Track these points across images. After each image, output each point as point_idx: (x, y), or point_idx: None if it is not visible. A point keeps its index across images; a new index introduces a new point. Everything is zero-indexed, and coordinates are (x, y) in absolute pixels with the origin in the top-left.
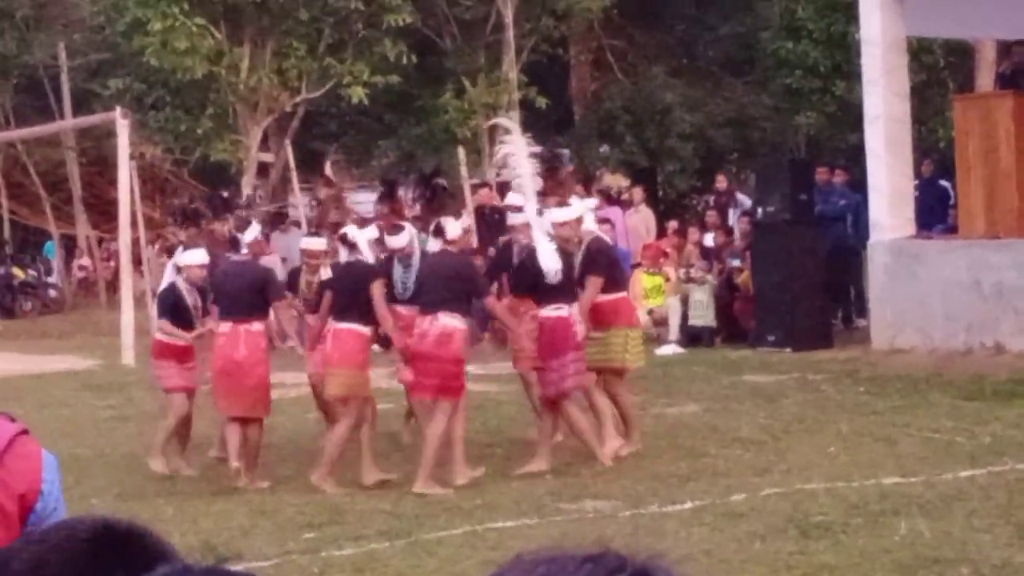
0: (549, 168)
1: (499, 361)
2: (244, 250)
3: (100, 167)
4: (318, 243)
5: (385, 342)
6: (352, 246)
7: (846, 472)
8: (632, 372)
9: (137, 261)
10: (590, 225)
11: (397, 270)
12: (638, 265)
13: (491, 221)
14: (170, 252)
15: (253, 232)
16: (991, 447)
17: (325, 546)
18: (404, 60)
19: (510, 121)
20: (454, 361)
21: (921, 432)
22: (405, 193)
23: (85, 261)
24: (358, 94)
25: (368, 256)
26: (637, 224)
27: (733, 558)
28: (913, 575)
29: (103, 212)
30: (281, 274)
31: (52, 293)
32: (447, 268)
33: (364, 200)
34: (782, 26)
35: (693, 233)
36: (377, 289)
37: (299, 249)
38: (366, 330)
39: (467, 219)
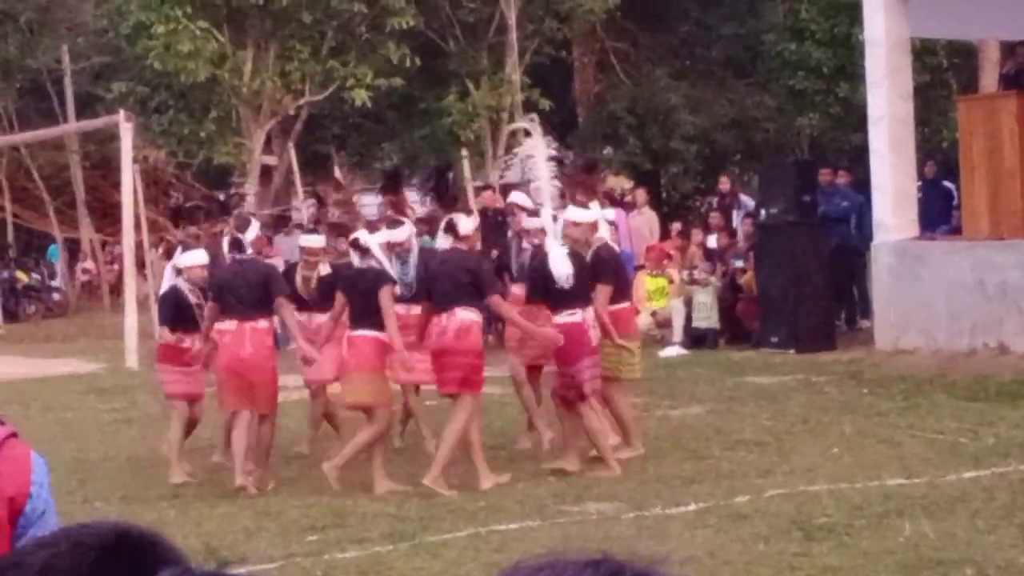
0: (586, 167)
1: (502, 363)
2: (248, 250)
3: (103, 170)
4: (316, 240)
5: None
6: (364, 251)
7: (850, 473)
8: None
9: (141, 264)
10: (604, 234)
11: (395, 266)
12: (641, 267)
13: (494, 223)
14: (169, 254)
15: (254, 230)
16: (995, 448)
17: (329, 549)
18: (407, 63)
19: (533, 124)
20: (475, 354)
21: (925, 433)
22: (419, 187)
23: (89, 264)
24: (361, 97)
25: (382, 261)
26: (640, 226)
27: (737, 560)
28: None
29: (106, 215)
30: None
31: (56, 297)
32: (459, 265)
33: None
34: (785, 27)
35: (696, 235)
36: (386, 295)
37: (299, 246)
38: (382, 335)
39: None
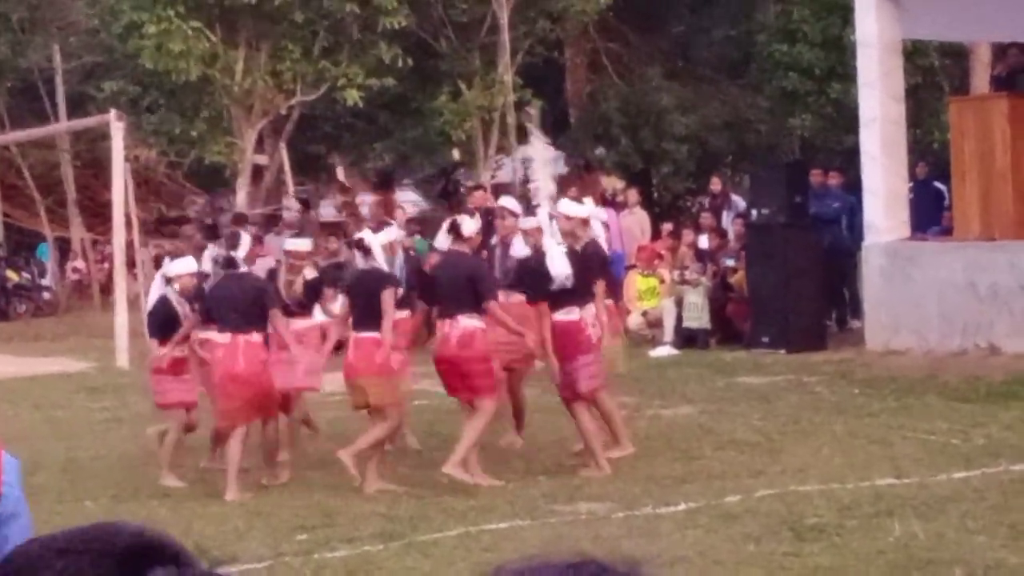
0: (586, 167)
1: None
2: (242, 267)
3: (94, 169)
4: (302, 244)
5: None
6: (367, 252)
7: (840, 474)
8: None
9: (131, 263)
10: (597, 231)
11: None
12: (633, 267)
13: (485, 224)
14: (157, 262)
15: (245, 246)
16: (985, 448)
17: (318, 548)
18: (399, 63)
19: (532, 117)
20: (480, 359)
21: (915, 434)
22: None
23: (79, 263)
24: (353, 97)
25: (382, 262)
26: (632, 226)
27: (727, 560)
28: None
29: (97, 214)
30: None
31: (46, 295)
32: (459, 271)
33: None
34: (777, 28)
35: (687, 235)
36: (388, 297)
37: (283, 250)
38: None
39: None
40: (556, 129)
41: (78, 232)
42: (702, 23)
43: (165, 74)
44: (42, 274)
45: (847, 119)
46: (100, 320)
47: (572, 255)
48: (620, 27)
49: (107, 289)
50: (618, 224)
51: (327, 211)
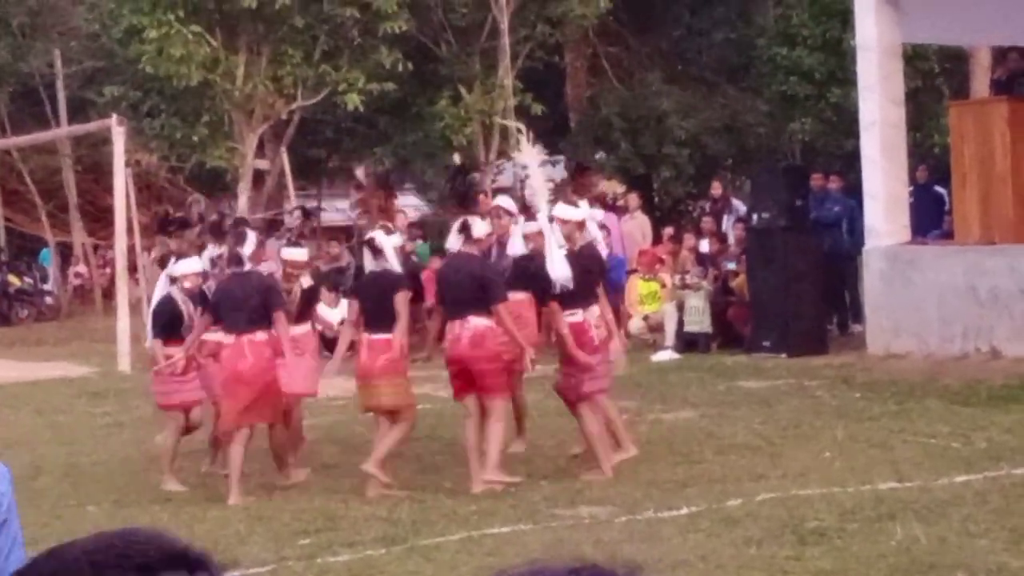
0: (579, 169)
1: None
2: (247, 264)
3: (96, 174)
4: (299, 254)
5: (330, 346)
6: (378, 252)
7: (842, 478)
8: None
9: (133, 268)
10: (594, 234)
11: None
12: (634, 271)
13: None
14: (163, 262)
15: (251, 244)
16: (987, 452)
17: (321, 552)
18: (400, 67)
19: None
20: (493, 359)
21: (917, 437)
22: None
23: (81, 268)
24: (354, 101)
25: (394, 264)
26: (633, 230)
27: (729, 564)
28: None
29: (99, 219)
30: None
31: (48, 300)
32: (468, 273)
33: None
34: (777, 32)
35: (688, 239)
36: (402, 299)
37: (280, 259)
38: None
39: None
40: (556, 133)
41: (80, 237)
42: (702, 27)
43: (166, 79)
44: (44, 279)
45: (847, 123)
46: (102, 325)
47: (572, 258)
48: (620, 31)
49: (109, 294)
50: (619, 229)
51: (329, 215)
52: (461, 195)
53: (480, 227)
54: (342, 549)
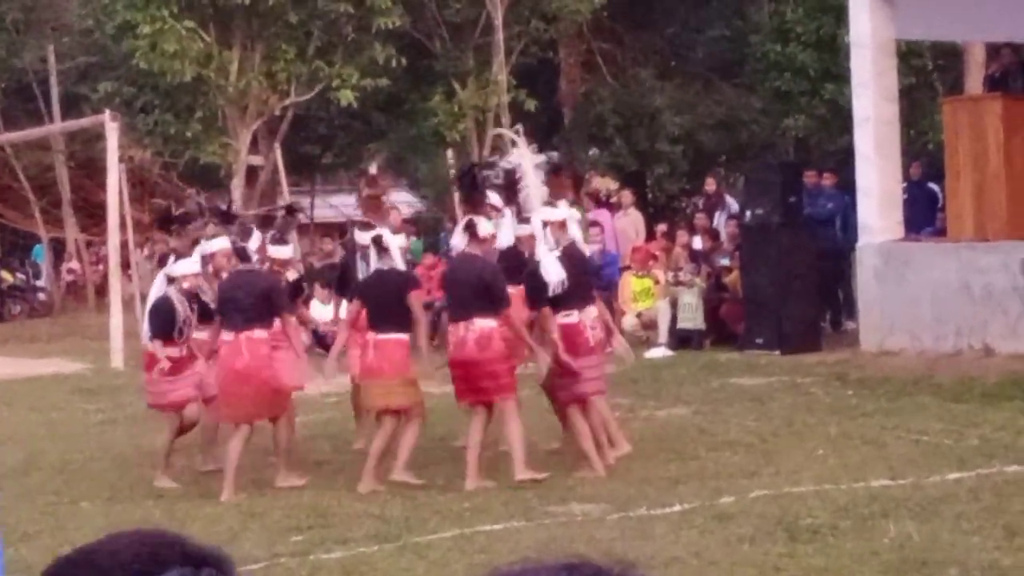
0: (552, 170)
1: None
2: (253, 258)
3: (89, 170)
4: (284, 251)
5: (323, 343)
6: (385, 250)
7: (835, 475)
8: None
9: (126, 265)
10: (574, 233)
11: (361, 267)
12: (627, 268)
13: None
14: (162, 261)
15: (256, 239)
16: (980, 449)
17: (313, 549)
18: (393, 63)
19: (516, 134)
20: (500, 360)
21: (910, 435)
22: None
23: (74, 264)
24: (347, 97)
25: (399, 263)
26: (626, 227)
27: (722, 561)
28: None
29: (92, 215)
30: None
31: (41, 297)
32: (473, 275)
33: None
34: (771, 29)
35: (681, 236)
36: (416, 300)
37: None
38: (406, 336)
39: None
40: (550, 129)
41: (73, 233)
42: (696, 23)
43: (160, 75)
44: (37, 275)
45: (841, 119)
46: (95, 321)
47: (563, 259)
48: (614, 27)
49: (102, 290)
50: (612, 225)
51: (322, 212)
52: (469, 193)
53: (485, 227)
54: (335, 546)
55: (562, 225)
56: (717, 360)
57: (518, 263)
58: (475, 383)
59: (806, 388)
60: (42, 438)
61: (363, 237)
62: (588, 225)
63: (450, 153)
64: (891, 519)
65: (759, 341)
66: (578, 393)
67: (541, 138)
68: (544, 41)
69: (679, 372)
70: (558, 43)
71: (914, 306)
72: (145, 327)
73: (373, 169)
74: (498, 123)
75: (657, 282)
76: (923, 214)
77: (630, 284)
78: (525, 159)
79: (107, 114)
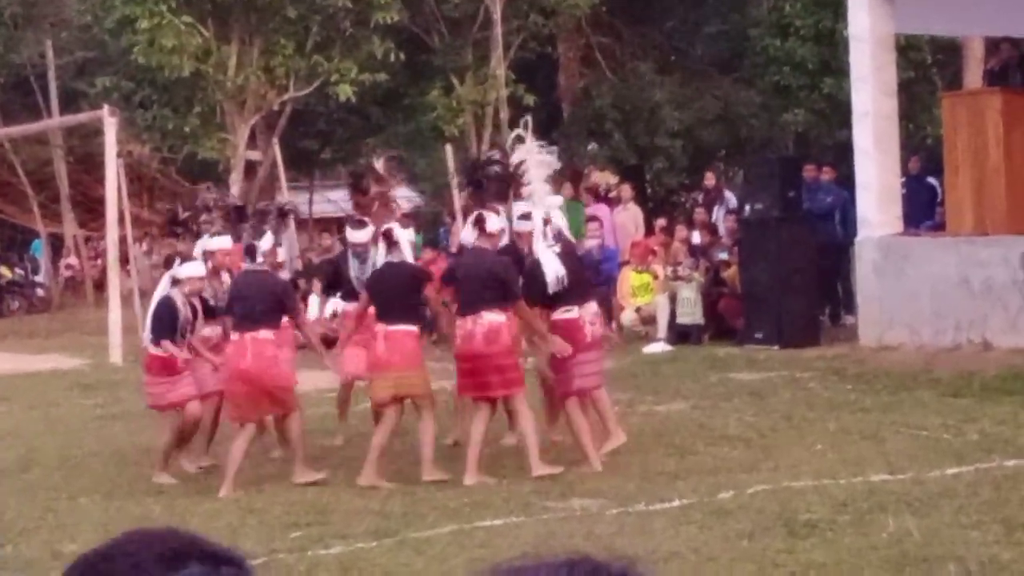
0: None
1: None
2: (261, 259)
3: (87, 165)
4: (278, 252)
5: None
6: (394, 244)
7: (834, 469)
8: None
9: (124, 260)
10: (558, 222)
11: (353, 265)
12: (626, 263)
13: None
14: (168, 263)
15: (268, 240)
16: (979, 444)
17: (312, 545)
18: (392, 58)
19: (525, 130)
20: (509, 352)
21: (909, 429)
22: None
23: (72, 260)
24: (346, 92)
25: (409, 256)
26: (625, 221)
27: (721, 556)
28: (901, 572)
29: (90, 211)
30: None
31: (39, 292)
32: (484, 270)
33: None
34: (771, 23)
35: (680, 231)
36: (432, 292)
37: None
38: (415, 328)
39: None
40: (549, 124)
41: (71, 228)
42: (695, 18)
43: (158, 69)
44: (35, 271)
45: (840, 114)
46: (93, 317)
47: (569, 257)
48: (613, 22)
49: (100, 285)
50: (611, 220)
51: (320, 207)
52: (478, 187)
53: (494, 221)
54: (333, 542)
55: (546, 221)
56: (716, 355)
57: (516, 260)
58: (481, 377)
59: (805, 383)
60: (41, 434)
61: (355, 236)
62: (587, 220)
63: (448, 148)
64: (890, 514)
65: (758, 336)
66: (573, 388)
67: (540, 133)
68: (543, 36)
69: (678, 367)
70: (557, 38)
71: (913, 300)
72: (147, 328)
73: (379, 164)
74: (496, 118)
75: (656, 277)
76: (922, 208)
77: (629, 279)
78: (531, 155)
79: (105, 109)
